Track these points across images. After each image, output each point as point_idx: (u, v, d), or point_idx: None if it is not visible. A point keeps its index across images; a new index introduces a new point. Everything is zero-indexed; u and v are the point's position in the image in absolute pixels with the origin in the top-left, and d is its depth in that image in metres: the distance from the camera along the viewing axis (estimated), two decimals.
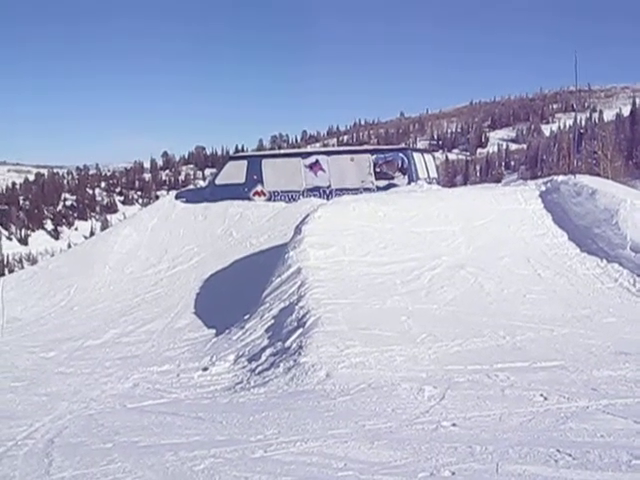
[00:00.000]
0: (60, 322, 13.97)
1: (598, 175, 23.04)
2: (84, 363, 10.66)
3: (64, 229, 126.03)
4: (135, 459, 5.17)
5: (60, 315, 14.56)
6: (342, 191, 18.70)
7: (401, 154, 20.12)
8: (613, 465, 4.42)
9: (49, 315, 14.73)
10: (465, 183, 76.32)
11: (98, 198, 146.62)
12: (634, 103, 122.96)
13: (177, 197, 21.40)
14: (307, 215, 13.71)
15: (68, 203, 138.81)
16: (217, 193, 20.22)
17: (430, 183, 19.87)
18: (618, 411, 5.79)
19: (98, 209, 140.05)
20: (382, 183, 19.40)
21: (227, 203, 19.67)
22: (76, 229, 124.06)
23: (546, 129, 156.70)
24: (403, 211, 13.89)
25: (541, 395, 6.39)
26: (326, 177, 20.02)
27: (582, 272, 11.69)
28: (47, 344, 12.33)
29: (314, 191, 19.91)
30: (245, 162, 20.99)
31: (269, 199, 20.16)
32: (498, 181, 67.06)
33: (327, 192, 19.71)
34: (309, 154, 21.68)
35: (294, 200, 19.77)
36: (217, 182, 20.89)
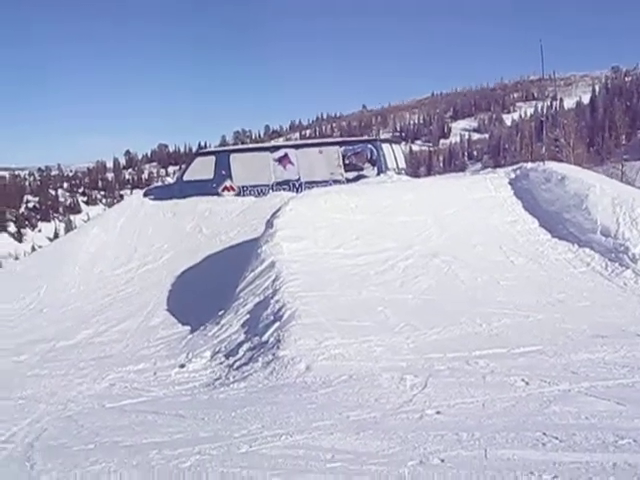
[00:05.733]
0: (30, 324, 13.75)
1: (561, 162, 23.20)
2: (58, 365, 10.50)
3: (27, 231, 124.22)
4: (119, 459, 5.09)
5: (30, 317, 14.33)
6: (311, 184, 18.64)
7: (370, 145, 20.07)
8: (600, 446, 4.46)
9: (19, 318, 14.45)
10: (429, 174, 76.57)
11: (61, 199, 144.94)
12: (594, 91, 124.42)
13: (145, 194, 21.18)
14: (278, 209, 13.66)
15: (31, 205, 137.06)
16: (185, 189, 20.01)
17: (399, 174, 19.89)
18: (600, 393, 5.84)
19: (61, 210, 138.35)
20: (351, 175, 19.34)
21: (196, 199, 19.49)
22: (39, 231, 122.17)
23: (507, 118, 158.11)
24: (374, 202, 13.89)
25: (522, 380, 6.42)
26: (295, 170, 19.92)
27: (554, 257, 11.79)
28: (18, 347, 12.12)
29: (283, 185, 19.80)
30: (213, 157, 20.76)
31: (238, 194, 20.00)
32: (462, 171, 67.34)
33: (296, 185, 19.62)
34: (277, 148, 21.54)
35: (263, 194, 19.67)
36: (185, 178, 20.63)
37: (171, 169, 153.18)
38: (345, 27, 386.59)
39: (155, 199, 20.39)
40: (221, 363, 9.06)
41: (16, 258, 50.46)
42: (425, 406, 5.82)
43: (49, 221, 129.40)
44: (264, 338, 8.85)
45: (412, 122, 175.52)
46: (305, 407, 6.14)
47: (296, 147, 21.33)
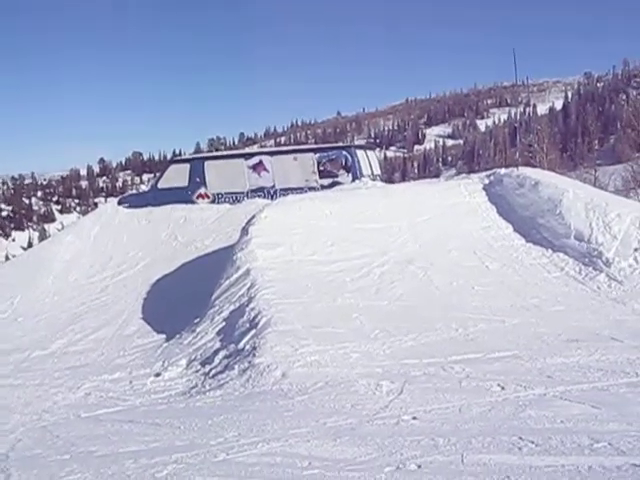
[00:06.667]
0: (4, 333, 13.59)
1: (535, 167, 23.38)
2: (32, 374, 10.38)
3: (1, 240, 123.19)
4: (95, 469, 5.04)
5: (4, 326, 14.16)
6: (286, 191, 18.59)
7: (344, 152, 20.10)
8: (576, 450, 4.48)
9: None
10: (404, 180, 76.85)
11: (35, 207, 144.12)
12: (566, 97, 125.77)
13: (120, 202, 21.05)
14: (253, 216, 13.65)
15: (4, 214, 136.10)
16: (160, 197, 19.90)
17: (374, 180, 19.93)
18: (575, 397, 5.89)
19: (35, 219, 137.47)
20: (326, 181, 19.35)
21: (171, 207, 19.37)
22: (13, 240, 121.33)
23: (481, 124, 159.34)
24: (349, 209, 13.92)
25: (498, 385, 6.45)
26: (270, 177, 19.90)
27: (529, 262, 11.85)
28: None
29: (258, 192, 19.76)
30: (187, 165, 20.68)
31: (213, 201, 19.96)
32: (436, 177, 67.60)
33: (271, 192, 19.59)
34: (252, 155, 21.52)
35: (238, 201, 19.60)
36: (160, 186, 20.54)
37: (146, 177, 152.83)
38: (319, 34, 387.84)
39: (130, 207, 20.26)
40: (197, 371, 9.01)
41: None
42: (401, 412, 5.83)
43: (23, 230, 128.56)
44: (240, 346, 8.80)
45: (386, 128, 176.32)
46: (281, 414, 6.13)
47: (271, 154, 21.24)
